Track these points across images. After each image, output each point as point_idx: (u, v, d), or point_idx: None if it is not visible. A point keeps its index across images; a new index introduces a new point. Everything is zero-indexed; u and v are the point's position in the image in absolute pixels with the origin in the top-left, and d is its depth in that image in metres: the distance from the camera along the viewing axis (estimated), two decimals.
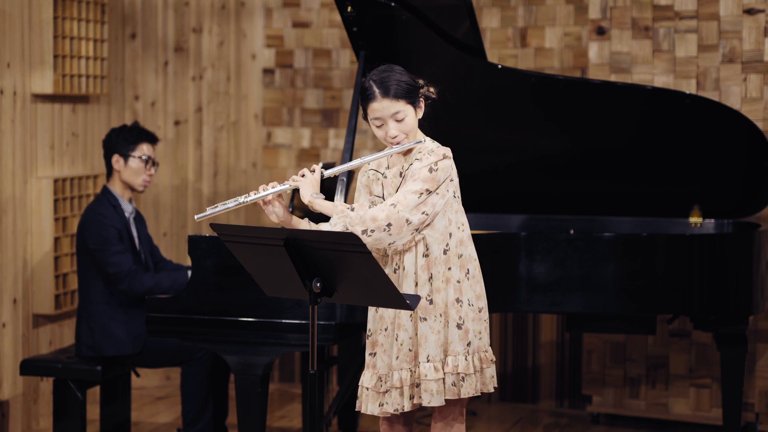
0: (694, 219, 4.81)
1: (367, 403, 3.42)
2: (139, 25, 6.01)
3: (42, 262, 5.20)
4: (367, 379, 3.44)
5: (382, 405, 3.39)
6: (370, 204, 3.46)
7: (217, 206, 3.33)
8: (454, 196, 3.39)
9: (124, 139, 4.79)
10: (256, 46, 6.25)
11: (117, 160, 4.79)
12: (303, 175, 3.38)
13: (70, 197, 5.32)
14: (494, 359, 3.45)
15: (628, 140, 4.70)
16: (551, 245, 4.19)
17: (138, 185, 4.80)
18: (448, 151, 3.37)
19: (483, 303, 3.42)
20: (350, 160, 4.32)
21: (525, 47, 5.80)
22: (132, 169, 4.78)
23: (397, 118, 3.35)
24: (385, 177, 3.44)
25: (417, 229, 3.32)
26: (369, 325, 3.48)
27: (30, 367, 4.72)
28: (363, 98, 3.38)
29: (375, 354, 3.43)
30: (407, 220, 3.27)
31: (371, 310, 3.48)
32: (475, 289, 3.40)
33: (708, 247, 4.26)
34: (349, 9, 4.40)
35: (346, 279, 3.13)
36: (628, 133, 4.69)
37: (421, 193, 3.29)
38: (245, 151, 6.29)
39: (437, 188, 3.31)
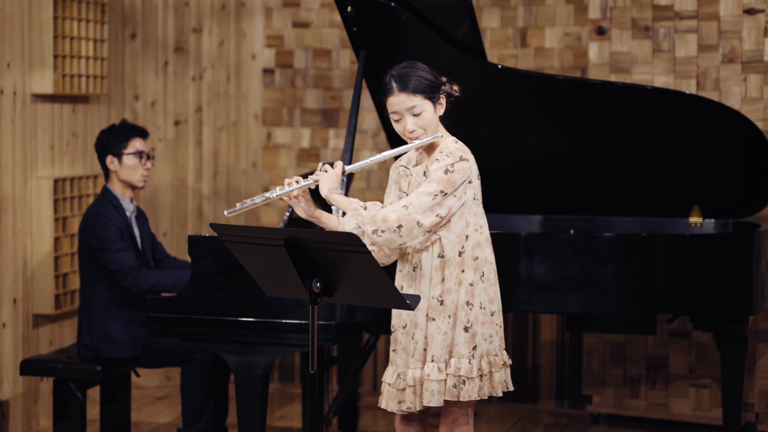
0: (694, 219, 4.81)
1: (388, 400, 3.44)
2: (139, 25, 6.01)
3: (42, 262, 5.20)
4: (389, 375, 3.45)
5: (401, 402, 3.40)
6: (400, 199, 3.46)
7: (245, 202, 3.34)
8: (474, 199, 3.38)
9: (114, 138, 4.78)
10: (256, 46, 6.25)
11: (111, 161, 4.78)
12: (325, 171, 3.39)
13: (70, 197, 5.32)
14: (508, 362, 3.43)
15: (628, 140, 4.70)
16: (551, 245, 4.19)
17: (137, 181, 4.80)
18: (467, 153, 3.36)
19: (496, 307, 3.40)
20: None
21: (525, 47, 5.80)
22: (128, 166, 4.78)
23: (413, 112, 3.34)
24: (411, 175, 3.44)
25: (429, 231, 3.32)
26: (393, 322, 3.48)
27: (30, 367, 4.71)
28: (382, 93, 3.39)
29: (396, 351, 3.45)
30: (418, 222, 3.27)
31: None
32: (488, 292, 3.38)
33: (708, 247, 4.26)
34: (349, 9, 4.40)
35: (346, 279, 3.13)
36: (628, 133, 4.68)
37: (435, 195, 3.28)
38: (245, 151, 6.29)
39: (453, 190, 3.30)
